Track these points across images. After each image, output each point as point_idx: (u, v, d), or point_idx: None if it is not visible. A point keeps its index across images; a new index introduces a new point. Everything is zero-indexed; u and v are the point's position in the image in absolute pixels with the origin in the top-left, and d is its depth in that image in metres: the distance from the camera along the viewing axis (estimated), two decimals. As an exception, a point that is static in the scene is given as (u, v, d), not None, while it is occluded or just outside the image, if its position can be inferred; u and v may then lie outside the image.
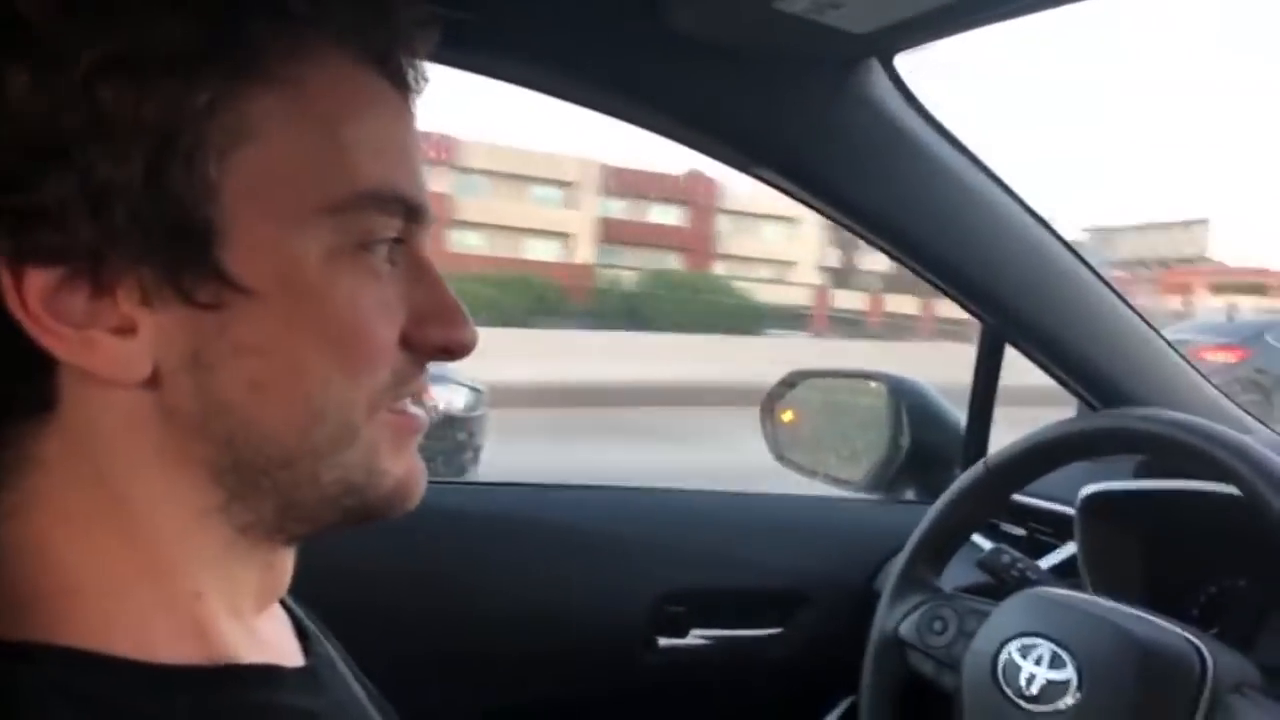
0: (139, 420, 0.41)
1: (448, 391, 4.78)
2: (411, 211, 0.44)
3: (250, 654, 0.44)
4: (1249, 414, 1.14)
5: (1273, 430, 1.12)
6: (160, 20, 0.38)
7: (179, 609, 0.42)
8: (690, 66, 0.86)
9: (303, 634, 0.51)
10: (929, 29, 0.81)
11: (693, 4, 0.77)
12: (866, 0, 0.73)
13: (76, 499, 0.41)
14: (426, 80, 0.47)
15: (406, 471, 0.46)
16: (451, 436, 4.86)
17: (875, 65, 0.90)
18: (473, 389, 4.98)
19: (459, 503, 1.11)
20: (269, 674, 0.44)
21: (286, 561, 0.48)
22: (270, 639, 0.48)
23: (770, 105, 0.90)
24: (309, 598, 0.53)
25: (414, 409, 0.47)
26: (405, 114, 0.46)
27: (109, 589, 0.40)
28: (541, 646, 1.06)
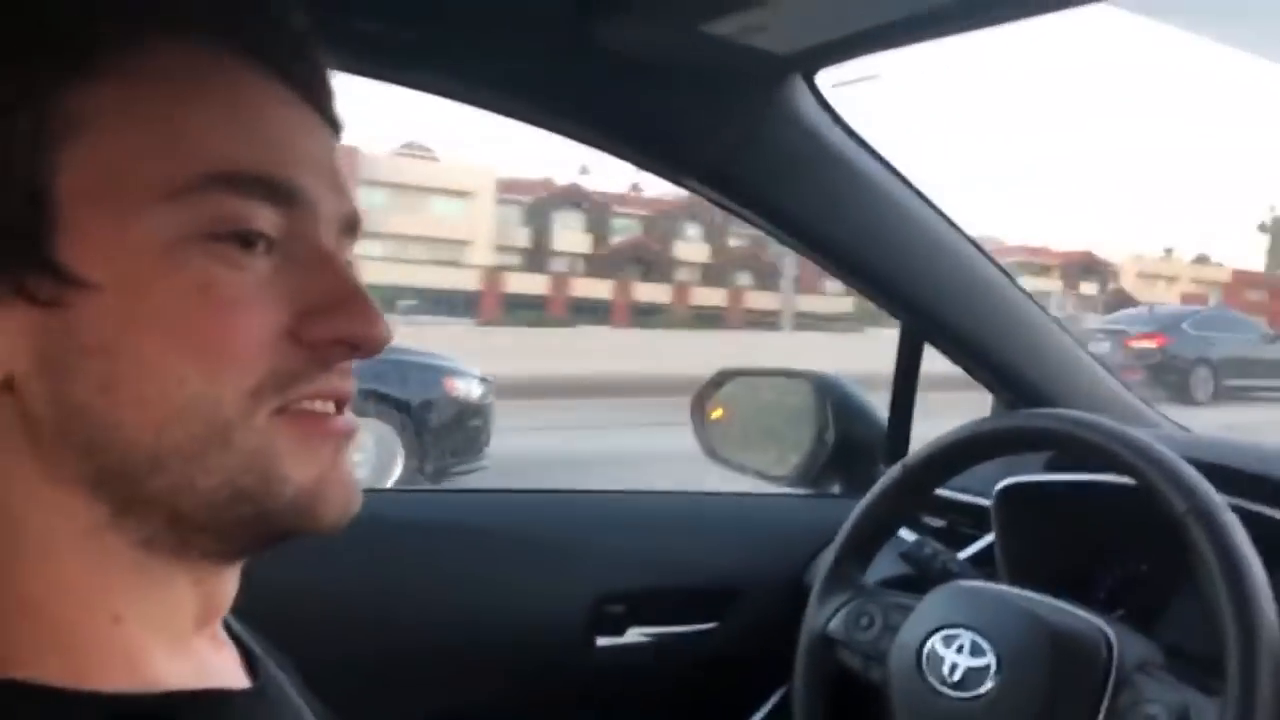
0: (5, 428, 0.40)
1: (465, 383, 5.15)
2: (283, 196, 0.42)
3: (190, 680, 0.42)
4: (1152, 408, 1.21)
5: (1174, 424, 1.20)
6: None
7: (100, 634, 0.40)
8: (619, 82, 0.88)
9: (249, 656, 0.50)
10: (848, 49, 0.84)
11: (622, 23, 0.79)
12: (790, 23, 0.77)
13: None
14: (316, 69, 0.46)
15: (316, 480, 0.43)
16: (470, 424, 5.15)
17: (799, 81, 0.93)
18: (483, 379, 5.24)
19: (397, 511, 1.11)
20: (212, 699, 0.43)
21: (220, 580, 0.46)
22: (214, 663, 0.46)
23: (697, 119, 0.93)
24: (244, 613, 0.52)
25: (324, 409, 0.44)
26: (275, 100, 0.43)
27: (24, 613, 0.39)
28: (483, 651, 1.08)
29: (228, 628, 0.50)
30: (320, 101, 0.46)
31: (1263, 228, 37.79)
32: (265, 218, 0.41)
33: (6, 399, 0.39)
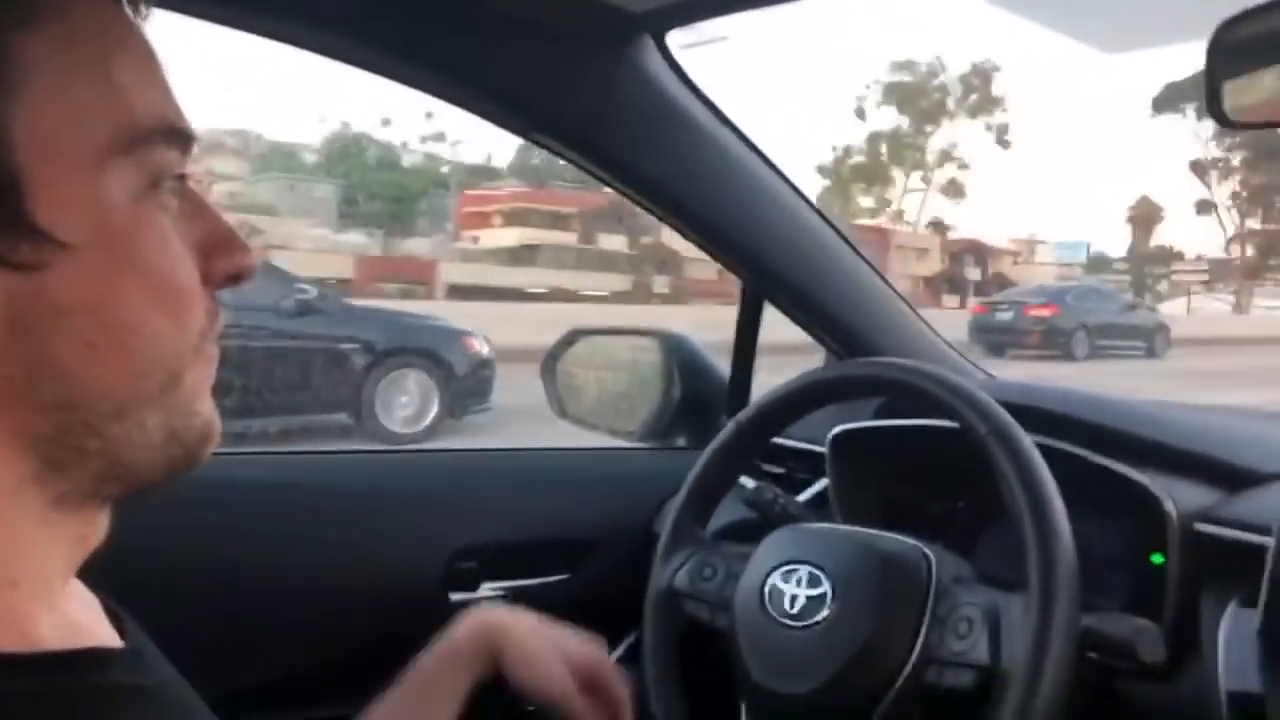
0: None
1: (478, 342, 6.50)
2: (186, 143, 0.44)
3: (69, 639, 0.42)
4: (965, 358, 1.31)
5: (982, 370, 1.30)
6: None
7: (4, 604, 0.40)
8: (472, 35, 0.88)
9: (113, 615, 0.50)
10: (698, 10, 0.87)
11: (476, -24, 0.79)
12: (641, -18, 0.78)
13: None
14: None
15: (210, 409, 0.46)
16: (482, 374, 6.41)
17: (649, 41, 0.95)
18: (487, 339, 6.54)
19: (247, 473, 1.08)
20: (97, 656, 0.43)
21: (100, 528, 0.46)
22: (84, 622, 0.46)
23: (549, 76, 0.94)
24: (93, 578, 0.51)
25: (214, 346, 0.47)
26: (151, 44, 0.45)
27: None
28: (336, 611, 1.07)
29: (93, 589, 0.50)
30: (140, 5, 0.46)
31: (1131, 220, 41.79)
32: (180, 164, 0.44)
33: None
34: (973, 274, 36.34)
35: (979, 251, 38.10)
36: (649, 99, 1.00)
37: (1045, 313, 14.59)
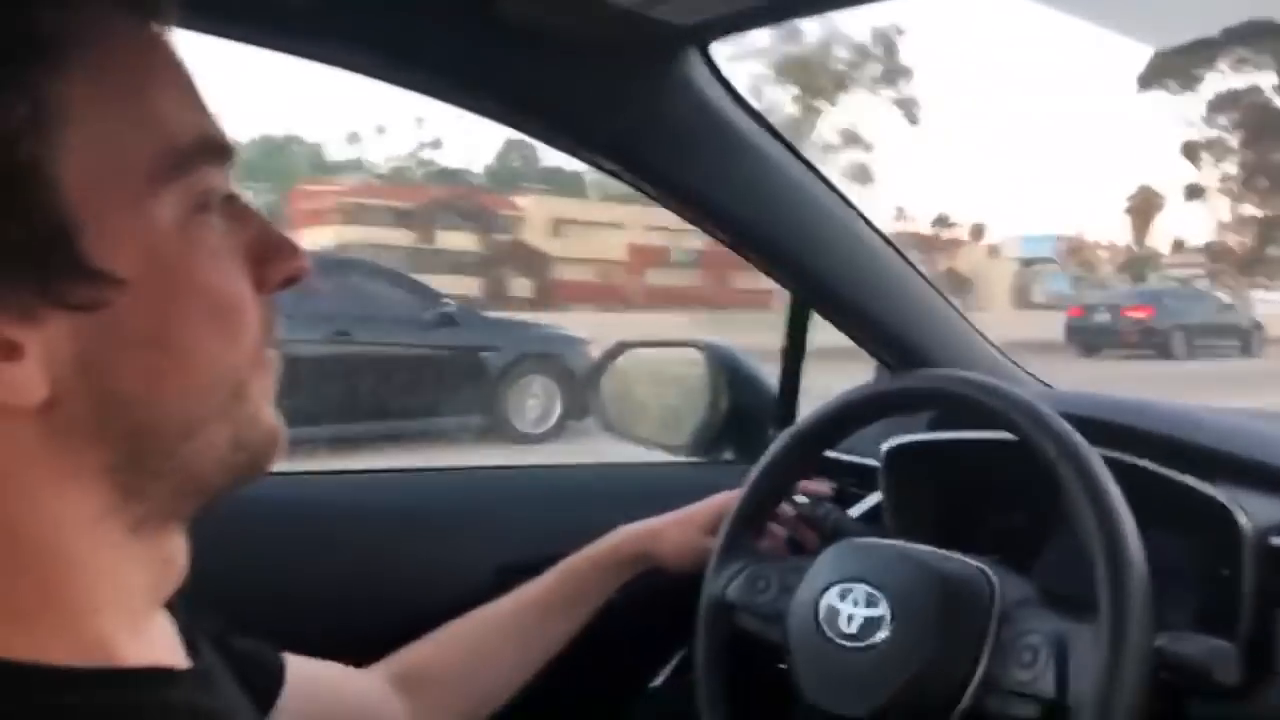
0: (29, 449, 0.40)
1: (595, 348, 6.34)
2: (229, 155, 0.45)
3: (144, 657, 0.43)
4: (1020, 366, 1.28)
5: (1041, 382, 1.27)
6: None
7: (81, 629, 0.41)
8: (519, 54, 0.88)
9: (189, 638, 0.51)
10: (743, 22, 0.86)
11: (523, -5, 0.79)
12: (688, -5, 0.78)
13: None
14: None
15: (272, 415, 0.47)
16: None
17: (694, 53, 0.95)
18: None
19: (292, 493, 1.08)
20: (162, 674, 0.44)
21: (180, 553, 0.47)
22: (158, 642, 0.47)
23: (594, 91, 0.94)
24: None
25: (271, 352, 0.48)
26: (181, 60, 0.45)
27: (5, 619, 0.40)
28: (384, 629, 1.06)
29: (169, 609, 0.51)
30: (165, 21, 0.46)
31: (1131, 210, 40.13)
32: (224, 180, 0.44)
33: (41, 414, 0.39)
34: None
35: (924, 244, 34.87)
36: (695, 111, 0.99)
37: (1142, 314, 15.11)
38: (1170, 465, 0.86)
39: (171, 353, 0.41)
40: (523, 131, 0.96)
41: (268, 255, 0.46)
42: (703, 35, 0.91)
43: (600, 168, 1.02)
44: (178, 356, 0.42)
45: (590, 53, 0.90)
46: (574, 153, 1.00)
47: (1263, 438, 0.92)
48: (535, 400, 6.70)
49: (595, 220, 29.04)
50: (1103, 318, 15.47)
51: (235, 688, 0.52)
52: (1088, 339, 15.02)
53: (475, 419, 6.52)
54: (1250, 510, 0.81)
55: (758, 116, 1.04)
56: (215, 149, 0.44)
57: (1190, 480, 0.84)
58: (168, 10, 0.45)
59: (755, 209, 1.11)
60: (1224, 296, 17.72)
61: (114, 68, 0.41)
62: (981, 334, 1.26)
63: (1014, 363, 1.27)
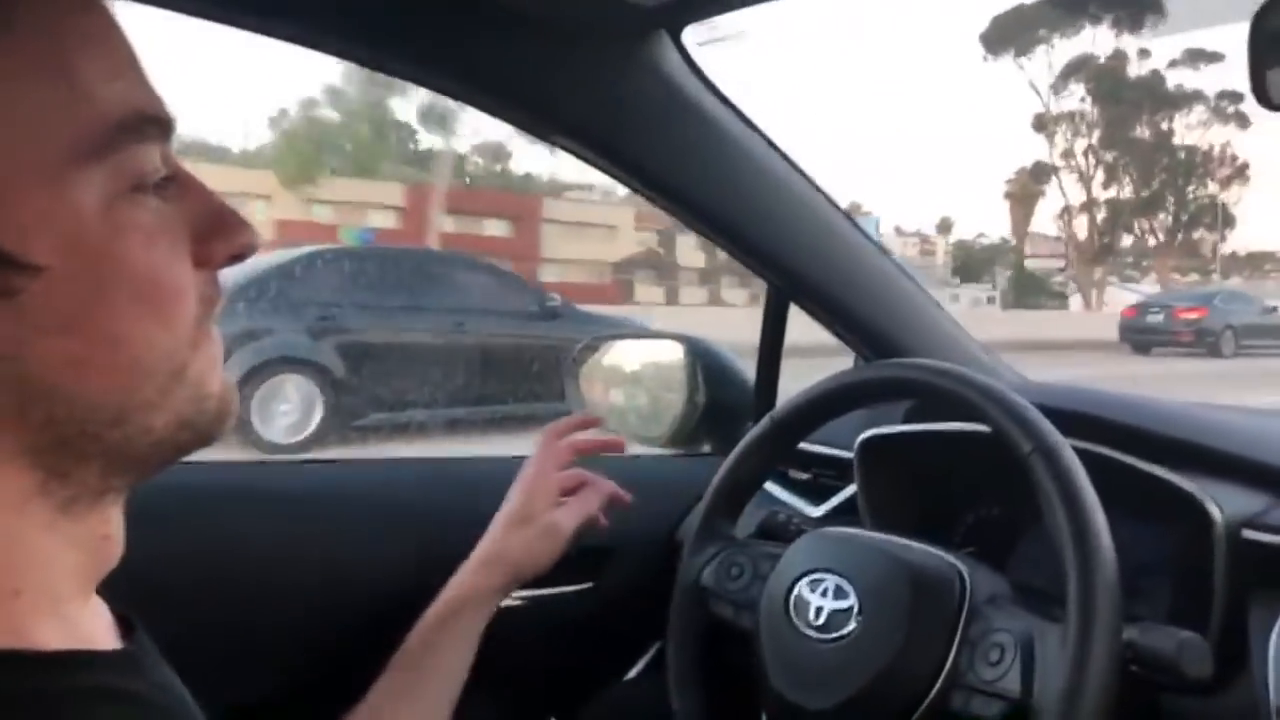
0: None
1: None
2: (165, 128, 0.42)
3: (67, 641, 0.42)
4: (996, 358, 1.27)
5: (1017, 373, 1.27)
6: None
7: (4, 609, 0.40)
8: (488, 36, 0.86)
9: (125, 622, 0.50)
10: (714, 7, 0.85)
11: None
12: (655, -24, 0.76)
13: None
14: None
15: (223, 386, 0.46)
16: None
17: (665, 38, 0.93)
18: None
19: (270, 482, 1.07)
20: (79, 657, 0.42)
21: (117, 529, 0.46)
22: (84, 625, 0.45)
23: (564, 75, 0.92)
24: (118, 589, 0.51)
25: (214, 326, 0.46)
26: (113, 20, 0.42)
27: None
28: (358, 617, 1.05)
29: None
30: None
31: (1008, 195, 38.63)
32: (159, 157, 0.42)
33: None
34: (694, 258, 30.28)
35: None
36: (666, 97, 0.98)
37: (1194, 315, 16.33)
38: (1143, 457, 0.85)
39: (96, 341, 0.39)
40: (491, 114, 0.94)
41: (212, 231, 0.44)
42: (674, 19, 0.90)
43: (571, 152, 1.01)
44: (103, 345, 0.40)
45: (560, 35, 0.88)
46: (544, 136, 0.98)
47: (1236, 430, 0.91)
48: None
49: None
50: (1156, 318, 16.70)
51: (167, 670, 0.50)
52: (1140, 338, 16.25)
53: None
54: (1222, 502, 0.80)
55: (732, 105, 1.02)
56: (147, 122, 0.41)
57: (1163, 472, 0.84)
58: None
59: (731, 199, 1.09)
60: (1268, 300, 19.18)
61: (30, 39, 0.38)
62: (959, 326, 1.26)
63: (989, 353, 1.26)
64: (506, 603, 1.15)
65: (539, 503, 0.97)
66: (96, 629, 0.47)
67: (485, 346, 6.67)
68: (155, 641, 0.54)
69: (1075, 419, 0.86)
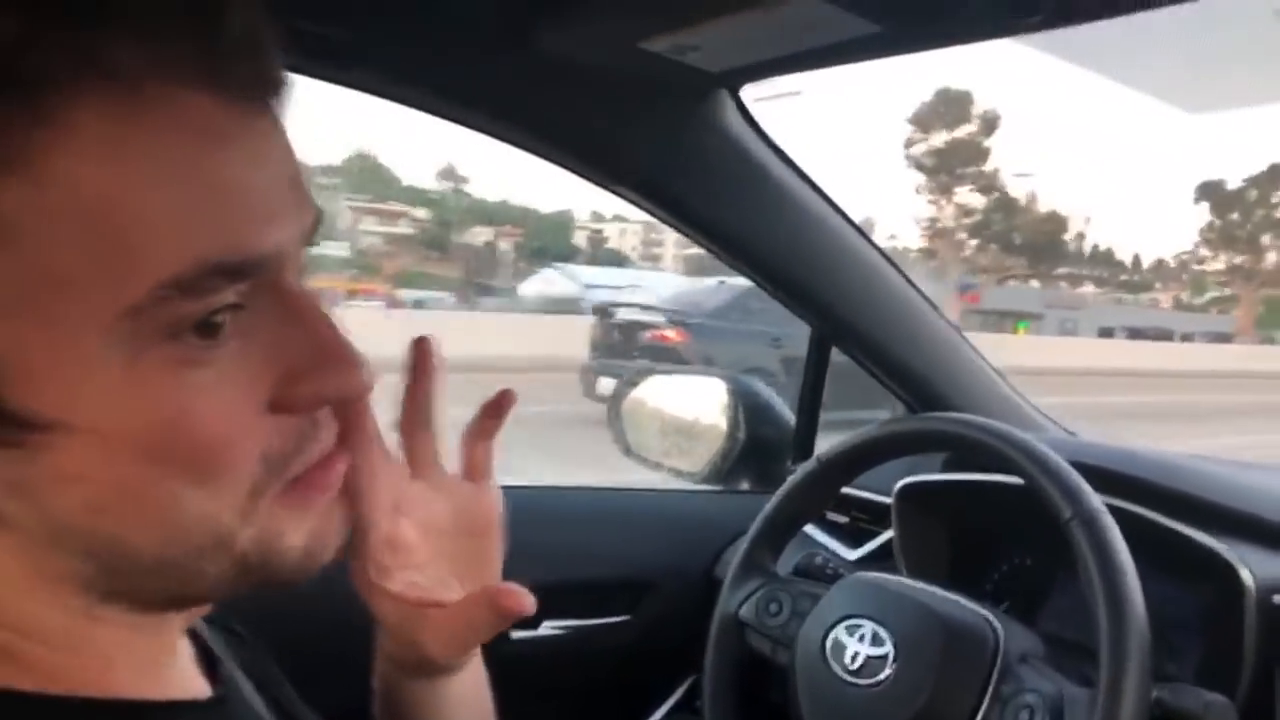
0: None
1: None
2: (250, 270, 0.35)
3: (155, 689, 0.41)
4: (1039, 411, 1.29)
5: (1061, 427, 1.28)
6: None
7: (88, 677, 0.38)
8: (557, 91, 0.91)
9: (209, 659, 0.48)
10: (772, 68, 0.89)
11: (564, 36, 0.82)
12: (720, 45, 0.81)
13: None
14: (264, 58, 0.37)
15: (312, 536, 0.40)
16: None
17: (725, 96, 0.97)
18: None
19: None
20: (177, 709, 0.41)
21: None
22: (177, 669, 0.44)
23: (629, 130, 0.97)
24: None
25: (317, 474, 0.40)
26: (232, 136, 0.35)
27: (8, 664, 0.37)
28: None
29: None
30: (258, 89, 0.37)
31: None
32: (229, 295, 0.35)
33: None
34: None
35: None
36: (724, 151, 1.02)
37: None
38: (1178, 518, 0.87)
39: (116, 492, 0.35)
40: (555, 164, 0.98)
41: (304, 370, 0.37)
42: (733, 80, 0.94)
43: (633, 202, 1.05)
44: (125, 499, 0.35)
45: (623, 92, 0.93)
46: (605, 186, 1.02)
47: (1268, 494, 0.92)
48: None
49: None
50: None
51: (255, 708, 0.48)
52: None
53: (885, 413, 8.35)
54: (1255, 567, 0.82)
55: (785, 157, 1.06)
56: (217, 275, 0.34)
57: (1196, 534, 0.85)
58: (235, 76, 0.35)
59: (780, 246, 1.13)
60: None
61: (79, 172, 0.32)
62: (1002, 377, 1.28)
63: (1033, 406, 1.28)
64: (544, 632, 1.18)
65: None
66: (184, 670, 0.45)
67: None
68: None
69: (1110, 477, 0.88)
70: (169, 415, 0.34)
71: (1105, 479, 0.83)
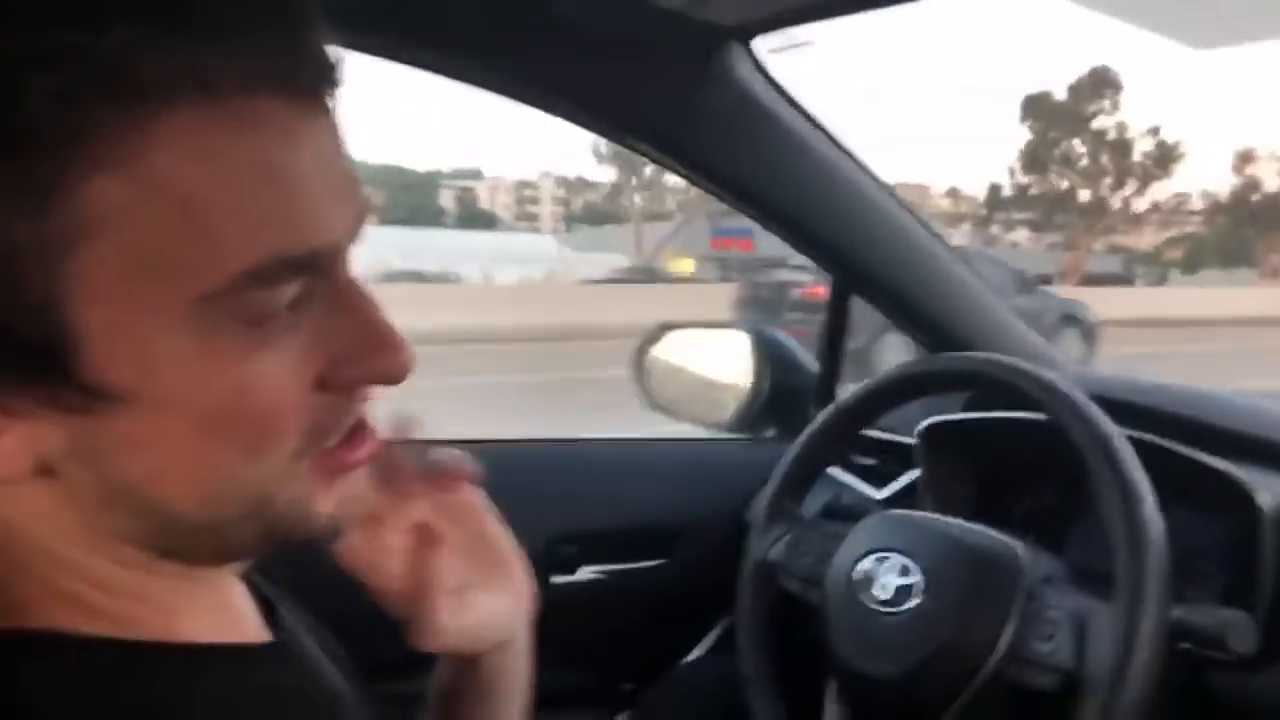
0: (51, 504, 0.39)
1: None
2: (313, 261, 0.38)
3: (215, 633, 0.44)
4: (1055, 350, 1.31)
5: (1075, 364, 1.30)
6: None
7: (151, 620, 0.42)
8: (572, 50, 0.92)
9: (267, 604, 0.51)
10: (784, 19, 0.90)
11: (578, -2, 0.84)
12: (731, -2, 0.82)
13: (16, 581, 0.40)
14: (336, 73, 0.39)
15: (339, 505, 0.44)
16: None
17: (737, 47, 0.99)
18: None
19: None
20: (236, 651, 0.44)
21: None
22: (234, 615, 0.47)
23: (642, 84, 0.98)
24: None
25: (348, 447, 0.43)
26: (300, 135, 0.37)
27: (73, 608, 0.41)
28: None
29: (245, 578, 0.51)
30: (321, 88, 0.39)
31: None
32: (292, 293, 0.38)
33: (43, 478, 0.38)
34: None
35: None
36: (737, 102, 1.03)
37: None
38: (1195, 446, 0.89)
39: (173, 461, 0.38)
40: (574, 122, 1.00)
41: (352, 353, 0.40)
42: (745, 31, 0.95)
43: (649, 155, 1.07)
44: (180, 465, 0.38)
45: (638, 48, 0.94)
46: (622, 141, 1.04)
47: None
48: (1071, 344, 10.57)
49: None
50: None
51: (314, 653, 0.51)
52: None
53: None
54: (1272, 490, 0.84)
55: (799, 108, 1.07)
56: (287, 269, 0.37)
57: (1213, 460, 0.88)
58: (305, 79, 0.38)
59: (797, 196, 1.15)
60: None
61: (171, 169, 0.34)
62: (1017, 318, 1.29)
63: (1049, 346, 1.30)
64: (582, 576, 1.22)
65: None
66: (244, 616, 0.48)
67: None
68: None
69: (1130, 409, 0.90)
70: (231, 392, 0.37)
71: (1123, 410, 0.85)
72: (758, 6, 0.85)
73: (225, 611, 0.46)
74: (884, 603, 0.85)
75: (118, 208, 0.34)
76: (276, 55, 0.36)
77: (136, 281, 0.35)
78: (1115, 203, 34.14)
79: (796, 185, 1.13)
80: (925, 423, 1.13)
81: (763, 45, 1.01)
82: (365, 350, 0.41)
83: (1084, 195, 34.05)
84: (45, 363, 0.35)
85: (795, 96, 1.07)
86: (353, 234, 0.41)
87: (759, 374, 1.41)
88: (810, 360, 1.40)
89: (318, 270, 0.39)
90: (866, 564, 0.88)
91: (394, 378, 0.42)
